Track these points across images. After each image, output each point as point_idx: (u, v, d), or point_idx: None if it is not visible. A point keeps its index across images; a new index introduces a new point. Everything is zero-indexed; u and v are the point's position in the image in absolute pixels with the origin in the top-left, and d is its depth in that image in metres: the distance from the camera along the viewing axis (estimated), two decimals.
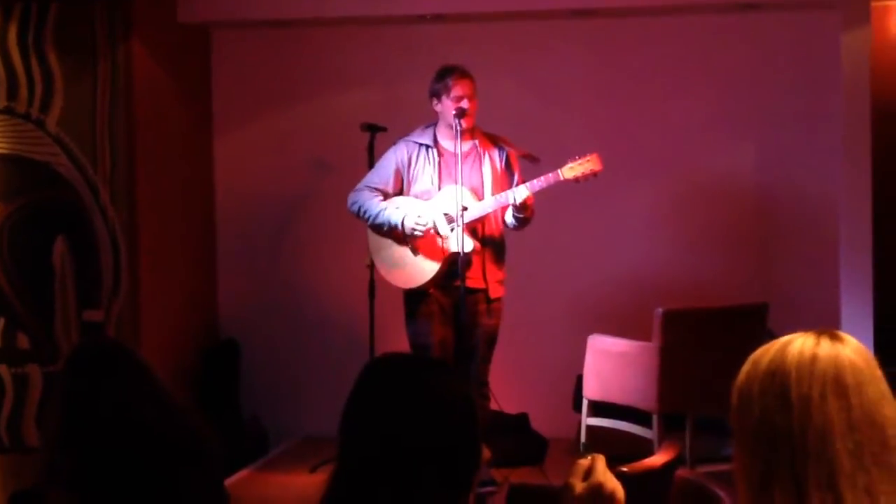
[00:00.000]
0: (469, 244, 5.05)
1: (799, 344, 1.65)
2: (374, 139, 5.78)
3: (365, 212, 5.22)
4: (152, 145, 6.28)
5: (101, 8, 6.08)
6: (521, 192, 4.99)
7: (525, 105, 6.61)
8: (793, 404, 1.60)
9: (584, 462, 1.68)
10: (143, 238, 6.17)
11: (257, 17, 6.62)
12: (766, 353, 1.68)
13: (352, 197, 5.29)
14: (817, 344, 1.65)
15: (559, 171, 5.03)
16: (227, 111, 6.94)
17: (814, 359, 1.63)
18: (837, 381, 1.60)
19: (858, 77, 6.07)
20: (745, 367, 1.69)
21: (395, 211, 5.14)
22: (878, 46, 6.43)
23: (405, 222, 5.11)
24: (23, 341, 6.15)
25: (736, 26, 6.54)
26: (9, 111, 6.12)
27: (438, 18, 6.56)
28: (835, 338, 1.66)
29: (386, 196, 5.22)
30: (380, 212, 5.16)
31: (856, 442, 1.57)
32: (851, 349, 1.65)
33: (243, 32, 6.87)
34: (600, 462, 1.68)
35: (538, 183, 5.03)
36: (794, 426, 1.59)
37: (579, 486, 1.65)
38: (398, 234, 5.18)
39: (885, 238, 6.32)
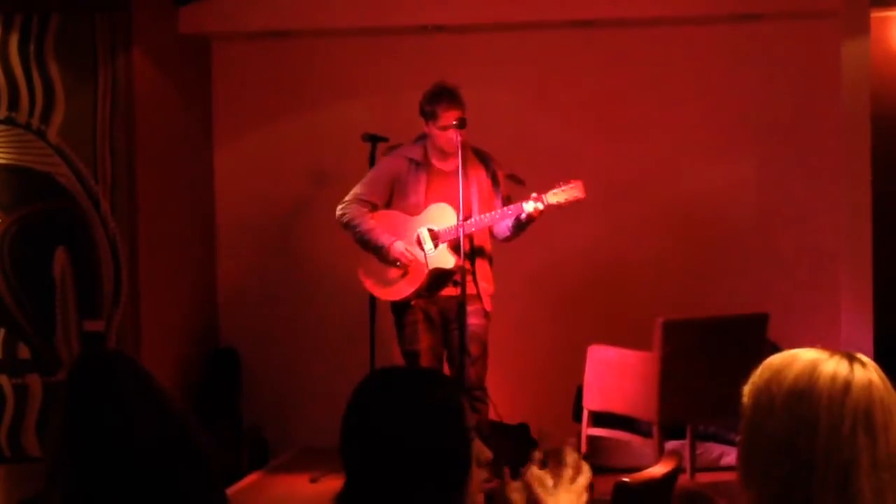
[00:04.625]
0: (451, 261, 5.11)
1: (832, 367, 1.60)
2: (376, 150, 5.79)
3: (356, 226, 5.30)
4: (153, 156, 6.28)
5: (102, 18, 6.09)
6: (531, 206, 5.04)
7: (525, 115, 6.62)
8: (820, 432, 1.56)
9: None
10: (143, 248, 6.17)
11: (258, 28, 6.64)
12: (788, 366, 1.62)
13: (341, 209, 5.37)
14: (851, 371, 1.59)
15: (543, 196, 5.07)
16: (227, 122, 6.95)
17: (847, 387, 1.57)
18: (868, 417, 1.56)
19: (858, 87, 6.08)
20: (764, 375, 1.64)
21: (384, 235, 5.24)
22: (877, 56, 6.44)
23: (394, 247, 5.20)
24: (23, 352, 6.14)
25: (736, 36, 6.55)
26: (10, 121, 6.12)
27: (439, 29, 6.57)
28: (863, 364, 1.61)
29: (375, 208, 5.31)
30: (369, 230, 5.26)
31: (880, 480, 1.55)
32: (881, 379, 1.60)
33: (244, 43, 6.87)
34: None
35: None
36: (817, 454, 1.55)
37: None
38: (383, 256, 5.28)
39: (884, 249, 6.32)
